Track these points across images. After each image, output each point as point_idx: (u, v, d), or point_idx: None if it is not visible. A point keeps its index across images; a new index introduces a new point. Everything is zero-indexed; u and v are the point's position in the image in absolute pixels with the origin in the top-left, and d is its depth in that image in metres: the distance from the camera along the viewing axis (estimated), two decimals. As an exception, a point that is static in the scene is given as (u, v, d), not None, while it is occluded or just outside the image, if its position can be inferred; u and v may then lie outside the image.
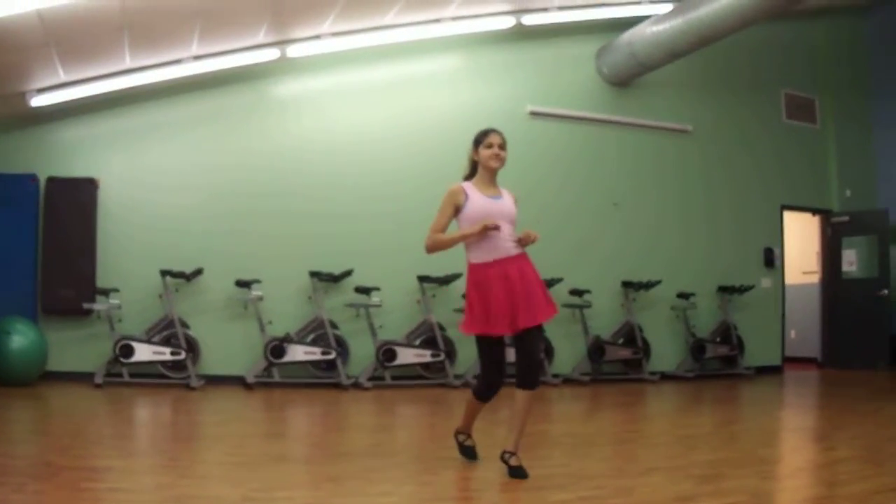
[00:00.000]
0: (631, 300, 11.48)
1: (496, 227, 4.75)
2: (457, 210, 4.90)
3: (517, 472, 4.63)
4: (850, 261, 13.44)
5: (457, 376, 10.09)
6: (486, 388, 4.98)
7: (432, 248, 4.92)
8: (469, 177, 5.08)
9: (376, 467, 4.97)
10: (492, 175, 5.01)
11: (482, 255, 4.85)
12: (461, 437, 5.25)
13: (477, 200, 4.88)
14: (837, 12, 14.02)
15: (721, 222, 12.61)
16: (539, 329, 4.85)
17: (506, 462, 4.71)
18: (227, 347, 9.72)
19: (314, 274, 9.86)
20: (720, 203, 12.64)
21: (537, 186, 11.11)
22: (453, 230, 4.92)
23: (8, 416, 6.96)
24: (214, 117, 10.11)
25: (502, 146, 4.97)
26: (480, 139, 5.01)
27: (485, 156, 4.96)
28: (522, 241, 4.84)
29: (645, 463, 5.40)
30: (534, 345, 4.79)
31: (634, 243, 11.89)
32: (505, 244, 4.84)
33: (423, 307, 10.26)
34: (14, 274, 9.08)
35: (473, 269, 4.92)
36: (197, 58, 9.36)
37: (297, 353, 9.58)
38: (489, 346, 4.90)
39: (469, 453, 5.18)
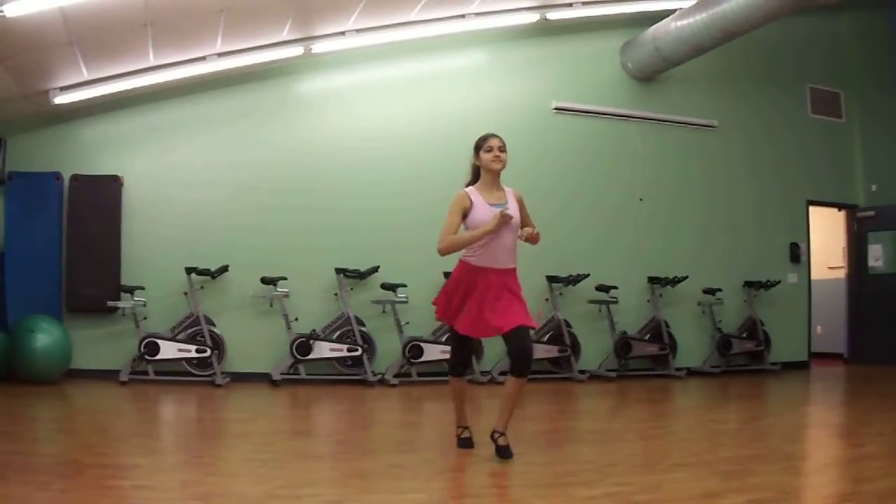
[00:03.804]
0: (657, 296, 11.42)
1: (509, 217, 4.95)
2: (464, 215, 5.06)
3: (503, 452, 4.93)
4: (877, 256, 13.29)
5: (483, 372, 10.06)
6: (455, 364, 5.48)
7: (447, 249, 5.05)
8: (471, 183, 5.24)
9: (403, 464, 4.96)
10: (494, 178, 5.18)
11: (479, 260, 5.07)
12: (458, 431, 5.48)
13: (481, 208, 5.04)
14: (861, 6, 13.86)
15: (746, 217, 12.49)
16: (524, 327, 4.98)
17: (494, 441, 5.02)
18: (253, 345, 9.73)
19: (340, 270, 9.85)
20: (745, 198, 12.52)
21: (561, 181, 11.12)
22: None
23: (33, 413, 7.00)
24: (239, 114, 10.12)
25: (502, 148, 5.15)
26: (480, 144, 5.20)
27: (486, 159, 5.14)
28: (526, 238, 5.01)
29: (671, 459, 5.36)
30: (522, 338, 4.93)
31: (659, 239, 11.81)
32: (504, 256, 5.09)
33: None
34: (39, 272, 9.12)
35: (464, 266, 5.15)
36: (221, 55, 9.36)
37: (323, 349, 9.59)
38: (457, 333, 5.30)
39: (466, 444, 5.38)
